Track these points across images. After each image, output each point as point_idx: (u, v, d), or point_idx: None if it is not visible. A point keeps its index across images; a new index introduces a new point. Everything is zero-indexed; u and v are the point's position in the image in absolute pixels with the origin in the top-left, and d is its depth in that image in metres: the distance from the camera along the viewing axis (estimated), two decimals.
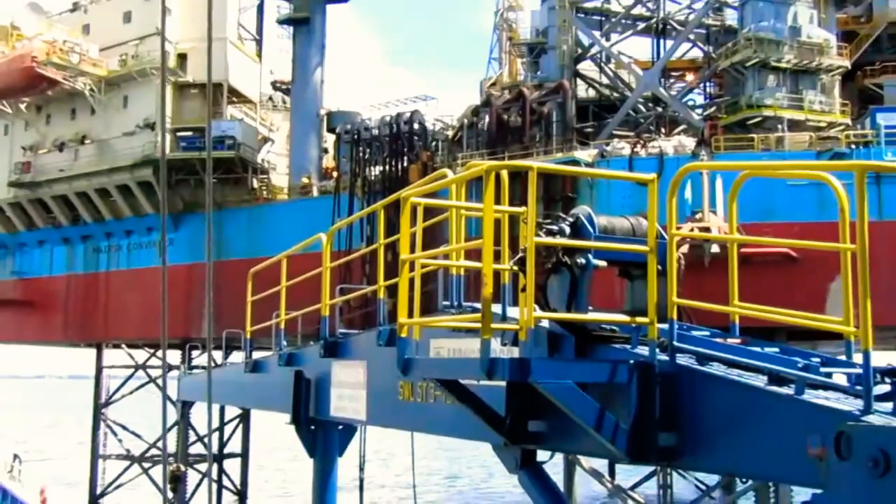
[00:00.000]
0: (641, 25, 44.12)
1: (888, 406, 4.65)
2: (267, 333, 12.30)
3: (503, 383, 6.37)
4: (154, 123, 42.56)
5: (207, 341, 10.54)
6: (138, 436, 43.83)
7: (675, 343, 5.74)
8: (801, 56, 35.40)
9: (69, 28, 45.89)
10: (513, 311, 6.52)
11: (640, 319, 6.03)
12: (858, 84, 39.54)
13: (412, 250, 7.09)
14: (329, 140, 45.25)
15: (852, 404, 4.72)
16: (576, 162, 32.70)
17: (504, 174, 6.93)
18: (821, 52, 35.70)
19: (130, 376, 46.18)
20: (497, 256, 6.27)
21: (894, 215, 28.50)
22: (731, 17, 41.50)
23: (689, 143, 34.01)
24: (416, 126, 40.00)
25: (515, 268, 6.18)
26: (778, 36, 35.29)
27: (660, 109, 40.33)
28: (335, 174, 41.94)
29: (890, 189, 28.94)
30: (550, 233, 6.38)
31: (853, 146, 32.45)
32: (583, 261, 6.29)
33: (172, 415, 37.03)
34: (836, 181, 5.06)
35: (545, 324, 6.29)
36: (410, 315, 6.90)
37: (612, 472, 39.32)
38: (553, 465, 7.44)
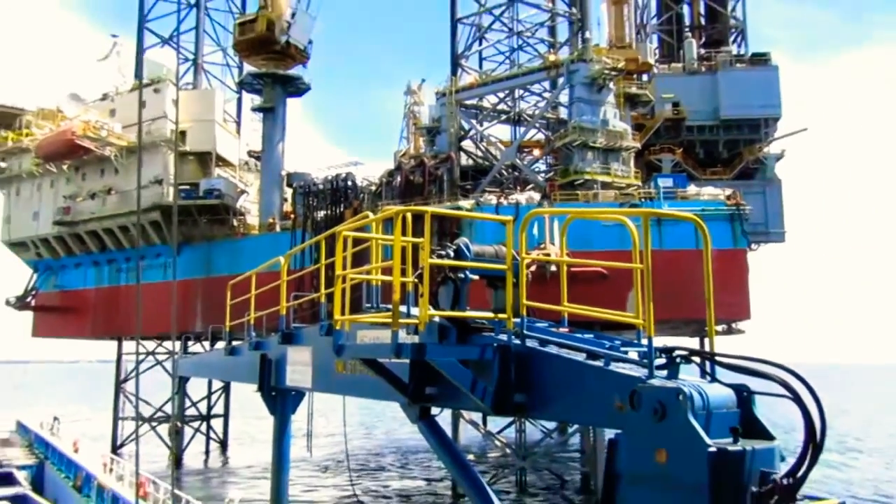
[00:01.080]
0: (504, 117, 44.81)
1: (664, 373, 4.76)
2: (241, 328, 11.96)
3: (407, 361, 6.33)
4: (162, 180, 41.90)
5: (172, 337, 10.17)
6: (148, 403, 42.15)
7: (525, 332, 5.78)
8: (609, 139, 36.29)
9: (100, 111, 44.98)
10: (415, 311, 6.48)
11: (501, 316, 6.06)
12: (646, 159, 40.89)
13: (344, 268, 7.02)
14: (288, 192, 44.64)
15: (641, 372, 4.82)
16: (459, 208, 32.93)
17: (408, 216, 6.92)
18: (622, 137, 36.69)
19: (142, 360, 44.47)
20: (403, 273, 6.23)
21: (671, 246, 29.43)
22: (563, 112, 42.43)
23: (536, 196, 34.53)
24: (349, 183, 39.86)
25: (416, 280, 6.15)
26: (594, 125, 36.14)
27: (516, 173, 40.92)
28: (292, 216, 41.37)
29: (667, 228, 29.94)
30: (440, 256, 6.39)
31: (643, 199, 33.43)
32: (462, 276, 6.31)
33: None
34: (630, 223, 5.19)
35: (437, 319, 6.27)
36: (343, 313, 6.84)
37: (484, 422, 39.44)
38: (442, 418, 7.37)
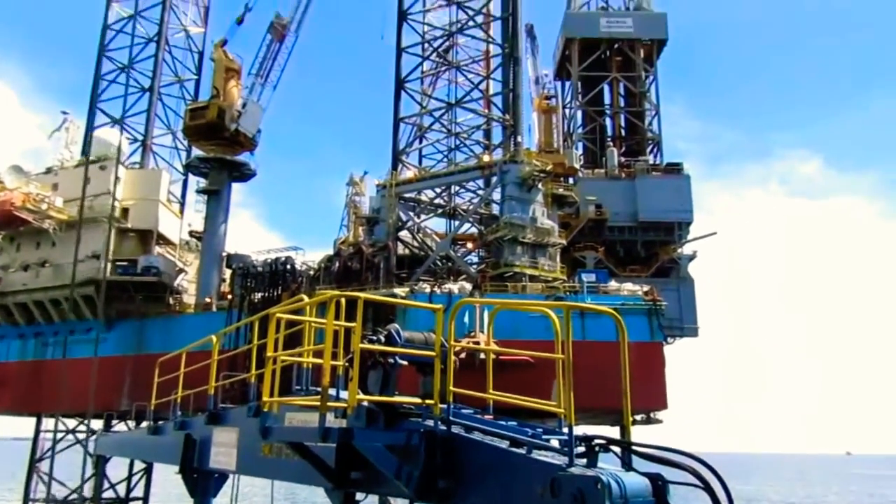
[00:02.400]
0: (440, 210, 45.37)
1: (584, 461, 4.72)
2: (168, 407, 11.36)
3: (334, 445, 6.09)
4: (99, 255, 40.41)
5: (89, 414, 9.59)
6: (63, 484, 39.08)
7: (451, 418, 5.68)
8: (537, 236, 37.13)
9: (42, 185, 43.30)
10: (344, 394, 6.30)
11: (428, 401, 5.95)
12: (571, 255, 41.90)
13: (275, 350, 6.81)
14: (227, 273, 43.71)
15: (562, 460, 4.76)
16: (394, 295, 32.77)
17: (343, 301, 6.83)
18: (549, 234, 37.60)
19: (61, 438, 41.48)
20: (335, 356, 6.09)
21: (593, 337, 29.78)
22: (495, 209, 43.34)
23: (468, 286, 34.71)
24: (288, 266, 39.35)
25: (347, 364, 6.01)
26: (523, 222, 36.98)
27: (450, 264, 41.22)
28: (230, 297, 40.36)
29: (590, 321, 30.38)
30: (372, 341, 6.29)
31: (567, 292, 34.00)
32: (392, 361, 6.21)
33: (91, 469, 33.40)
34: (553, 315, 5.25)
35: (365, 404, 6.10)
36: (272, 395, 6.58)
37: None
38: (368, 502, 7.09)
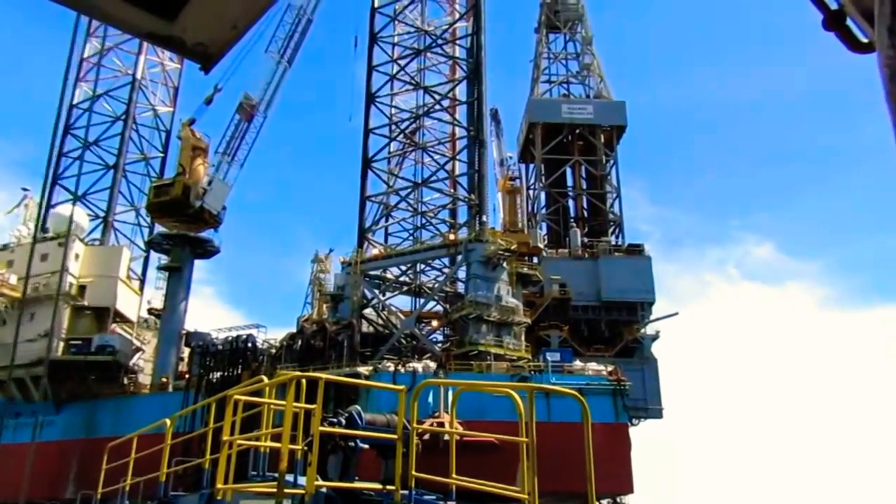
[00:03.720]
0: (405, 288, 45.37)
1: None
2: (116, 495, 10.78)
3: None
4: (48, 334, 39.06)
5: None
6: None
7: None
8: (502, 314, 37.16)
9: None
10: (302, 480, 6.09)
11: (389, 487, 5.78)
12: (535, 334, 41.95)
13: (232, 433, 6.59)
14: (186, 351, 42.59)
15: None
16: (357, 374, 32.21)
17: (303, 382, 6.68)
18: (514, 313, 37.69)
19: None
20: (294, 440, 5.92)
21: (558, 418, 29.39)
22: (460, 287, 43.49)
23: (433, 365, 34.35)
24: (249, 344, 38.64)
25: (306, 448, 5.84)
26: (488, 301, 37.06)
27: (415, 342, 40.88)
28: (188, 376, 39.22)
29: (555, 401, 30.03)
30: (332, 424, 6.14)
31: (532, 372, 33.78)
32: (353, 444, 6.05)
33: None
34: (517, 396, 5.21)
35: (324, 490, 5.89)
36: (226, 481, 6.32)
37: None
38: None
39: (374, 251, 44.38)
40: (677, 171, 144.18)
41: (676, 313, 46.97)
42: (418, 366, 33.77)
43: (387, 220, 50.58)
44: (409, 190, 48.56)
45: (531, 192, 58.72)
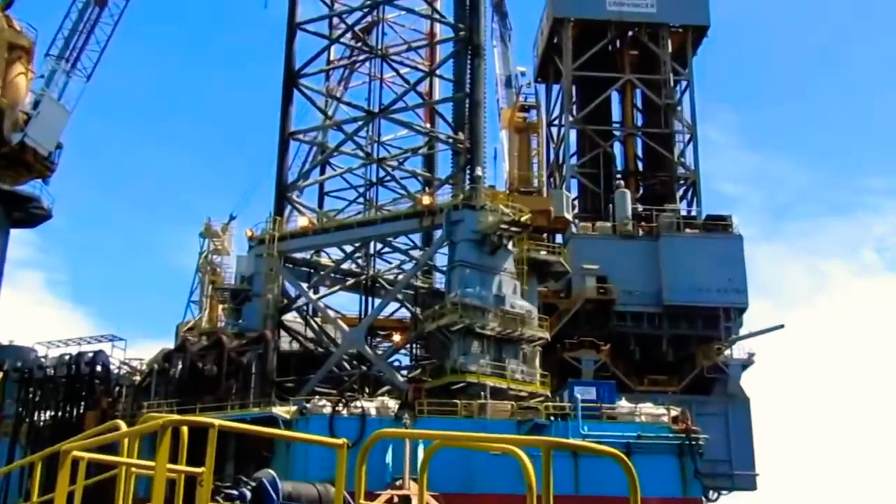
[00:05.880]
0: (350, 281, 45.23)
1: None
2: None
3: None
4: None
5: None
6: None
7: None
8: (504, 325, 37.12)
9: None
10: None
11: None
12: (559, 356, 42.13)
13: None
14: None
15: None
16: (273, 418, 32.19)
17: (184, 430, 6.69)
18: (523, 323, 37.68)
19: None
20: None
21: (591, 490, 29.62)
22: (439, 280, 43.39)
23: (393, 405, 34.37)
24: (98, 368, 38.54)
25: None
26: (483, 303, 37.00)
27: (365, 368, 40.93)
28: None
29: (587, 464, 30.26)
30: (229, 498, 6.17)
31: (552, 417, 33.88)
32: None
33: None
34: (524, 456, 5.25)
35: None
36: None
37: None
38: None
39: (302, 221, 44.20)
40: (787, 103, 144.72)
41: (782, 326, 47.36)
42: (370, 406, 33.76)
43: (322, 172, 50.32)
44: (359, 124, 48.37)
45: (555, 129, 58.81)
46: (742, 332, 46.19)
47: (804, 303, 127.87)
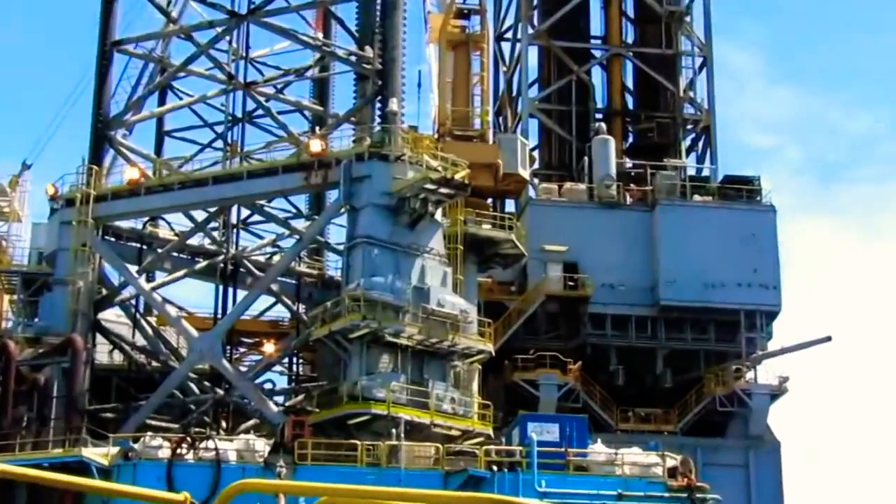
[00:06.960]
0: (202, 264, 44.93)
1: None
2: None
3: None
4: None
5: None
6: None
7: None
8: (428, 331, 37.24)
9: None
10: None
11: None
12: (507, 378, 42.32)
13: None
14: None
15: None
16: (84, 465, 32.01)
17: None
18: (455, 329, 37.83)
19: None
20: None
21: None
22: (333, 266, 43.45)
23: (263, 446, 34.41)
24: None
25: None
26: (397, 299, 37.10)
27: (221, 392, 40.80)
28: None
29: None
30: None
31: (495, 467, 34.06)
32: None
33: None
34: None
35: None
36: None
37: None
38: None
39: (131, 173, 43.82)
40: (832, 16, 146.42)
41: (829, 338, 47.72)
42: (228, 447, 33.81)
43: (162, 102, 50.19)
44: (218, 31, 48.17)
45: (507, 47, 59.14)
46: (771, 346, 46.86)
47: (861, 305, 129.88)
